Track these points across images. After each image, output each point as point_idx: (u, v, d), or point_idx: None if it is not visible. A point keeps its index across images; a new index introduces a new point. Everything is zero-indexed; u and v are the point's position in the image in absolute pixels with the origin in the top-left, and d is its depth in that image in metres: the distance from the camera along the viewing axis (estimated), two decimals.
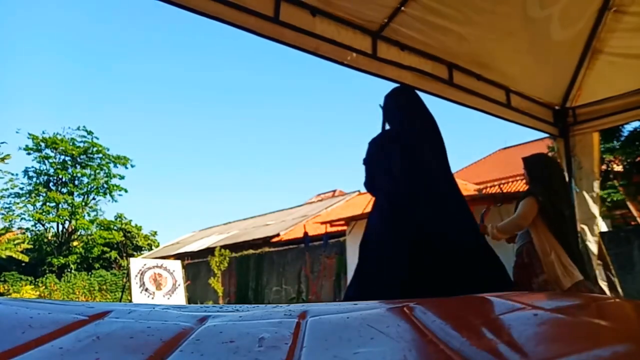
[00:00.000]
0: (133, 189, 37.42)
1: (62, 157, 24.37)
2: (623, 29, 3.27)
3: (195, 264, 15.75)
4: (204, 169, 44.97)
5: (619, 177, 8.79)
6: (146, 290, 7.71)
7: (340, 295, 11.40)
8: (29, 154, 23.58)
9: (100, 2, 35.49)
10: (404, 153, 2.14)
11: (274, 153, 46.28)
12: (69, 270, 21.58)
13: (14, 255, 17.12)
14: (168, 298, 7.83)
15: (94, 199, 25.39)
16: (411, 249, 1.96)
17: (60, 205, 23.78)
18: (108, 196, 25.57)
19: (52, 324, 0.51)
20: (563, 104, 3.92)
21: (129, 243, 23.83)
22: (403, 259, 1.96)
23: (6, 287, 17.46)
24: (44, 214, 23.58)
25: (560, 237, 2.57)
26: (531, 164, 2.78)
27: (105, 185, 25.34)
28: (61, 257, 22.79)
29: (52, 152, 24.10)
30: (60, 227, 24.40)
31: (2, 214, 22.99)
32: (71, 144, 24.15)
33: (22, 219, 23.88)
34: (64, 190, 24.50)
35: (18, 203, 23.73)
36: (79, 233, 24.62)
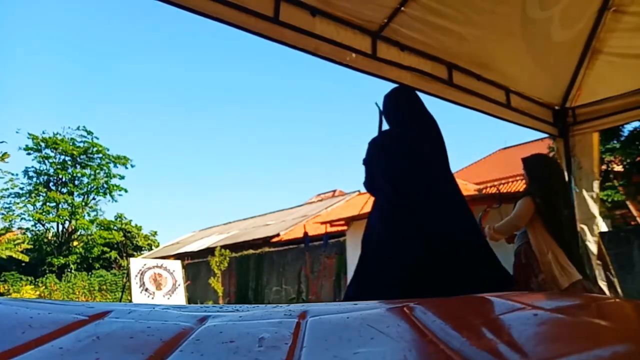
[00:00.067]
0: (133, 189, 37.52)
1: (62, 157, 24.38)
2: (623, 28, 3.27)
3: (195, 264, 15.74)
4: (204, 169, 45.04)
5: (619, 177, 8.80)
6: (146, 290, 7.71)
7: (340, 295, 11.40)
8: (29, 154, 23.61)
9: (100, 2, 35.54)
10: (404, 153, 2.14)
11: (274, 153, 46.37)
12: (69, 270, 21.57)
13: (14, 255, 17.09)
14: (168, 298, 7.83)
15: (94, 199, 25.42)
16: (411, 249, 1.96)
17: (60, 205, 23.78)
18: (108, 196, 25.61)
19: (52, 324, 0.51)
20: (563, 104, 3.92)
21: (129, 243, 23.82)
22: (403, 259, 1.96)
23: (6, 287, 17.45)
24: (44, 214, 23.58)
25: (558, 237, 2.57)
26: (531, 164, 2.78)
27: (105, 185, 25.35)
28: (61, 257, 22.79)
29: (52, 152, 24.11)
30: (60, 227, 24.41)
31: (2, 214, 23.01)
32: (71, 144, 24.15)
33: (22, 219, 23.92)
34: (64, 190, 24.50)
35: (18, 203, 23.76)
36: (79, 233, 24.62)
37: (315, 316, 0.60)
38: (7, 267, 20.21)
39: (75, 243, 24.23)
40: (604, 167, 8.42)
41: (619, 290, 3.60)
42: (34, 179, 24.22)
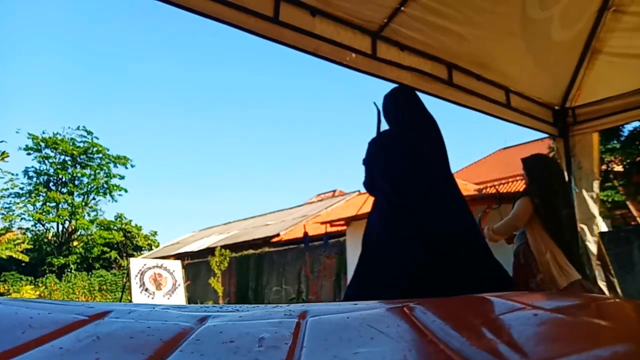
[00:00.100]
0: (133, 189, 37.50)
1: (62, 157, 24.38)
2: (622, 28, 3.27)
3: (195, 264, 15.74)
4: (204, 169, 45.02)
5: (619, 177, 8.80)
6: (146, 290, 7.71)
7: (340, 295, 11.40)
8: (29, 154, 23.61)
9: (100, 2, 35.52)
10: (404, 153, 2.14)
11: (274, 153, 46.35)
12: (69, 270, 21.57)
13: (14, 255, 17.10)
14: (168, 298, 7.83)
15: (94, 199, 25.42)
16: (411, 249, 1.96)
17: (60, 205, 23.78)
18: (108, 196, 25.61)
19: (52, 324, 0.51)
20: (563, 104, 3.92)
21: (129, 243, 23.82)
22: (403, 259, 1.96)
23: (6, 287, 17.45)
24: (44, 214, 23.58)
25: (557, 237, 2.57)
26: (531, 164, 2.77)
27: (105, 185, 25.35)
28: (61, 257, 22.79)
29: (52, 152, 24.11)
30: (60, 227, 24.41)
31: (2, 214, 23.01)
32: (71, 144, 24.15)
33: (22, 219, 23.92)
34: (64, 190, 24.50)
35: (18, 203, 23.76)
36: (79, 233, 24.62)
37: (315, 316, 0.60)
38: (7, 267, 20.22)
39: (75, 243, 24.23)
40: (604, 167, 8.42)
41: (618, 290, 3.60)
42: (34, 179, 24.24)
